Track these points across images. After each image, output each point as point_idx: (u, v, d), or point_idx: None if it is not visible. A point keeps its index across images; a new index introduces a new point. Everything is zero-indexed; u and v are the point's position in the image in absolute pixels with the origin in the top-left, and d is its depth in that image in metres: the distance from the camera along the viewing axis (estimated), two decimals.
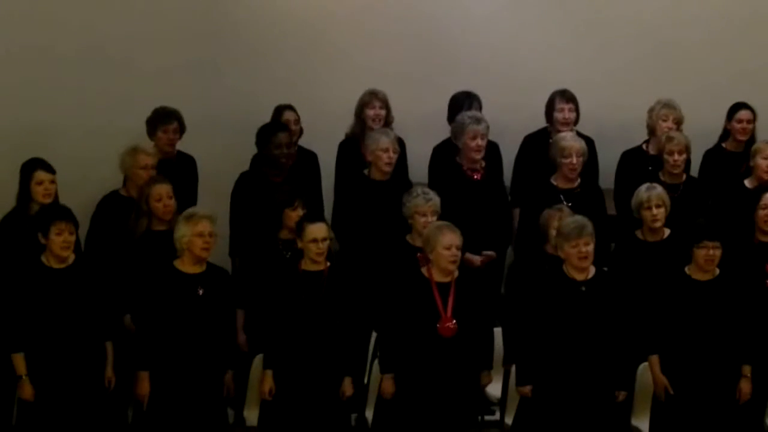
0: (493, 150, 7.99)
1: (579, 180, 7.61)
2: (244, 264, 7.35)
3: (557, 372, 6.61)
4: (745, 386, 6.76)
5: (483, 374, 6.78)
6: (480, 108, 8.05)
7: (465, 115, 7.76)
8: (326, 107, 8.36)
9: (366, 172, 7.67)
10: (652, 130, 7.95)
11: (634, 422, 6.94)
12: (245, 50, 8.59)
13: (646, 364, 6.86)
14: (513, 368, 6.86)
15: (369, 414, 6.92)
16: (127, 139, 7.71)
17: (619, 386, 6.69)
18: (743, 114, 8.01)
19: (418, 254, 6.89)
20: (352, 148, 8.04)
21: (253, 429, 6.86)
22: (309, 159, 8.08)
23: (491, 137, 7.84)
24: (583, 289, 6.65)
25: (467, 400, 6.72)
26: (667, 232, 7.25)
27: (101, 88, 8.43)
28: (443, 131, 8.10)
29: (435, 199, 7.14)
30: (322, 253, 6.69)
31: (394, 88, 8.14)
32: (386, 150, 7.56)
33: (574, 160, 7.52)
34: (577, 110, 8.05)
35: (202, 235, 6.56)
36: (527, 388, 6.69)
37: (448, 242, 6.62)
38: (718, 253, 6.73)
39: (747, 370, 6.77)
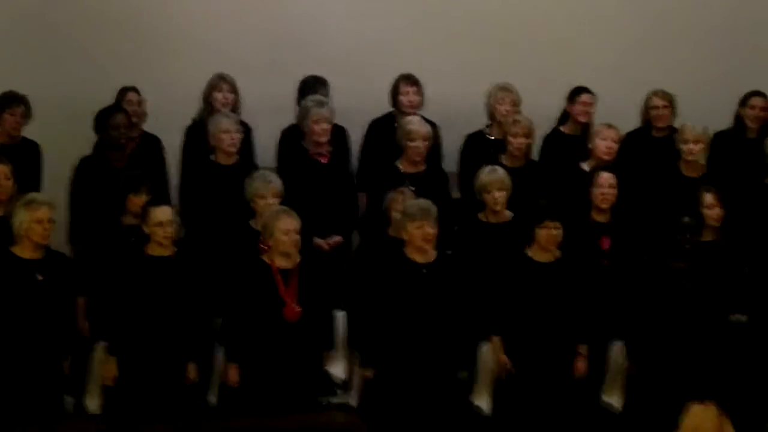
0: (340, 134, 8.00)
1: (424, 164, 7.68)
2: (84, 250, 7.25)
3: (400, 353, 6.68)
4: (581, 364, 6.93)
5: (325, 355, 6.81)
6: (328, 93, 8.06)
7: (309, 99, 7.77)
8: (173, 91, 8.24)
9: (212, 157, 7.63)
10: (491, 114, 8.06)
11: (476, 401, 7.04)
12: (89, 32, 8.46)
13: (487, 343, 6.98)
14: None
15: (212, 398, 6.91)
16: None
17: (461, 366, 6.80)
18: (585, 97, 8.11)
19: (260, 245, 6.85)
20: (199, 132, 7.94)
21: (96, 416, 6.79)
22: (152, 143, 7.97)
23: (339, 122, 7.87)
24: (425, 271, 6.74)
25: (310, 383, 6.73)
26: (509, 214, 7.35)
27: None
28: (292, 115, 8.09)
29: (276, 182, 7.10)
30: (168, 237, 6.68)
31: (242, 72, 8.07)
32: (227, 131, 7.50)
33: (420, 144, 7.58)
34: (421, 94, 8.10)
35: (41, 222, 6.50)
36: (370, 371, 6.75)
37: (285, 227, 6.62)
38: (559, 233, 6.89)
39: (583, 348, 6.94)
